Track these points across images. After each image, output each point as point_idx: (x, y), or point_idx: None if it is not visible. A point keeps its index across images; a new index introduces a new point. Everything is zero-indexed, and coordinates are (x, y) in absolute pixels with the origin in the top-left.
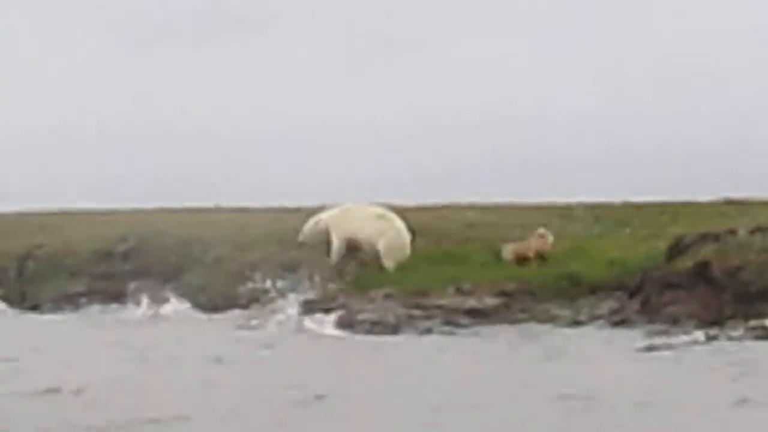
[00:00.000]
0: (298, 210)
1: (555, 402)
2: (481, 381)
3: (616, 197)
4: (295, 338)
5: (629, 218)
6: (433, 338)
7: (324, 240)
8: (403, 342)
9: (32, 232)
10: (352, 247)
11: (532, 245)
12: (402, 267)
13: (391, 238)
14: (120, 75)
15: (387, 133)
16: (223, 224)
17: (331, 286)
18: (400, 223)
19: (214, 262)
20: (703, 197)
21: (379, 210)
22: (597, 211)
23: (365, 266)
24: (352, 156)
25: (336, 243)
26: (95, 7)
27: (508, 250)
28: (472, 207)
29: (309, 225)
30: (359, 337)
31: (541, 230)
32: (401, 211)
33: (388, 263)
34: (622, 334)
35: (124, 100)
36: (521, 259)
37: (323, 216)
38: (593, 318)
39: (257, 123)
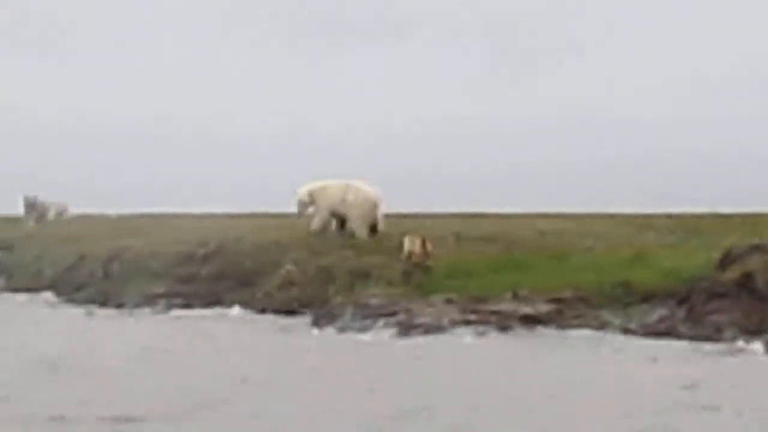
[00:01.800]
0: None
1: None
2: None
3: (706, 208)
4: (346, 342)
5: (706, 228)
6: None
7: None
8: (448, 343)
9: (122, 235)
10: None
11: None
12: (467, 273)
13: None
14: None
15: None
16: (303, 229)
17: (396, 290)
18: (361, 194)
19: (290, 266)
20: None
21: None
22: (678, 222)
23: (430, 272)
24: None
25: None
26: (226, 10)
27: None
28: (547, 216)
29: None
30: (409, 341)
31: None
32: (476, 221)
33: (356, 228)
34: (664, 341)
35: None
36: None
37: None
38: (642, 325)
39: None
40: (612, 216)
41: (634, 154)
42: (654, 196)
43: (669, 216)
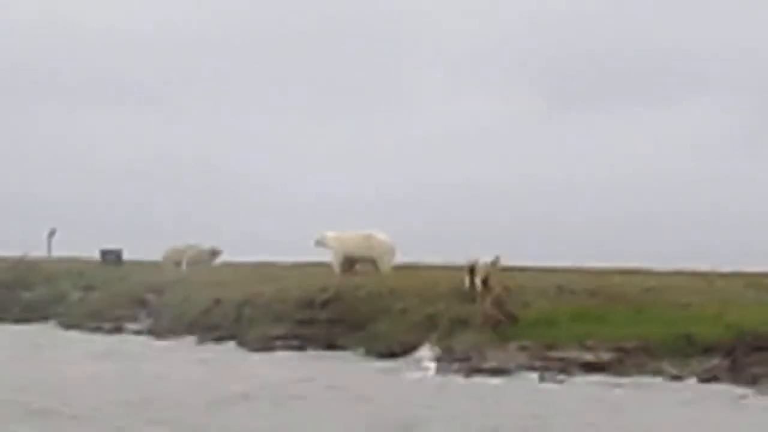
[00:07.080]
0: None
1: None
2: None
3: None
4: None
5: None
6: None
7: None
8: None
9: (257, 281)
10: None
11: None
12: (549, 323)
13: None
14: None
15: None
16: (417, 278)
17: (482, 336)
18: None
19: (399, 312)
20: None
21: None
22: None
23: (516, 321)
24: None
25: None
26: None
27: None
28: (663, 273)
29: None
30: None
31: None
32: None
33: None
34: (695, 388)
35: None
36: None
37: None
38: (691, 373)
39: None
40: (735, 274)
41: None
42: None
43: None
